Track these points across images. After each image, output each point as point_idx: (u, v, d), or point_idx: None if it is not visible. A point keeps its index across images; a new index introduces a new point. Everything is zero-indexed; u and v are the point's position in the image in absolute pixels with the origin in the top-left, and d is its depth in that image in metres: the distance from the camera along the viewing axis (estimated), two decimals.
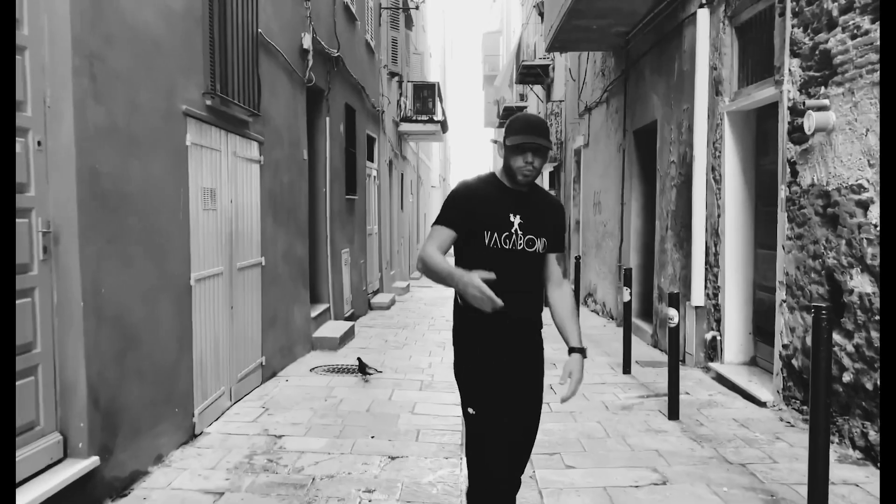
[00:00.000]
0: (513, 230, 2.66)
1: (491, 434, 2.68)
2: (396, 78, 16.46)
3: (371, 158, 13.30)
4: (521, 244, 2.68)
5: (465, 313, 2.69)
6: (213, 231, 5.20)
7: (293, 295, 7.49)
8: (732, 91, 6.56)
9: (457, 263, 2.68)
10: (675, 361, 5.36)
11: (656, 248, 8.52)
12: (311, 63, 7.98)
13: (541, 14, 15.97)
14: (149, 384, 4.13)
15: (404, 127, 17.38)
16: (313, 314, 8.43)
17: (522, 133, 2.65)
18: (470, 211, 2.69)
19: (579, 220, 13.94)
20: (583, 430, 5.09)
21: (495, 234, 2.66)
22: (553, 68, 17.29)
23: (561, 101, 15.89)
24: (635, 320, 9.24)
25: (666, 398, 5.82)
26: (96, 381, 3.56)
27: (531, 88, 20.61)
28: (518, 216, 2.69)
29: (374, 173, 13.56)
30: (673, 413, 5.31)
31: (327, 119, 9.11)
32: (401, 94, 17.44)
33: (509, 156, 2.69)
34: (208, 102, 5.04)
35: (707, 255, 6.95)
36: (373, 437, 4.90)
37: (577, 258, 10.20)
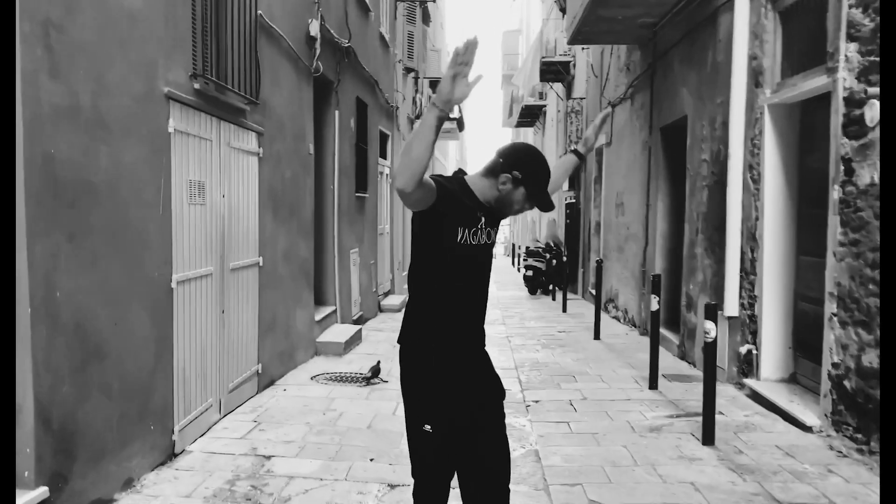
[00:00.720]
0: (479, 225, 2.57)
1: (445, 455, 2.55)
2: (412, 74, 15.97)
3: (384, 156, 12.82)
4: (483, 238, 2.59)
5: (426, 310, 2.54)
6: (201, 228, 4.72)
7: (295, 297, 7.01)
8: (774, 82, 5.99)
9: (417, 265, 2.56)
10: (711, 380, 4.80)
11: (685, 252, 7.95)
12: (318, 52, 7.50)
13: (562, 9, 15.41)
14: (117, 400, 3.65)
15: None
16: (318, 317, 7.95)
17: (546, 186, 2.61)
18: (453, 198, 2.47)
19: (600, 221, 13.37)
20: (607, 455, 4.56)
21: (466, 231, 2.51)
22: (574, 65, 16.73)
23: (582, 99, 15.32)
24: (663, 331, 8.66)
25: (698, 419, 5.27)
26: (48, 398, 3.08)
27: (551, 86, 20.04)
28: (482, 213, 2.59)
29: (387, 171, 13.08)
30: (708, 438, 4.75)
31: (336, 113, 8.63)
32: (416, 91, 16.95)
33: (515, 192, 2.56)
34: (196, 86, 4.56)
35: (742, 261, 6.38)
36: (372, 460, 4.39)
37: (599, 262, 9.64)
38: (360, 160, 10.22)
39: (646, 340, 9.11)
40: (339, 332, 8.22)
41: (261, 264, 5.94)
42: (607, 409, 5.71)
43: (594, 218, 13.90)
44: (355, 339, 8.37)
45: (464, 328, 2.57)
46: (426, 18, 17.75)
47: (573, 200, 16.64)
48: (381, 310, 12.05)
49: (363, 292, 10.48)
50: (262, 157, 5.92)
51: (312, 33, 7.38)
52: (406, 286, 14.78)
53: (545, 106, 23.53)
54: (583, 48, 14.76)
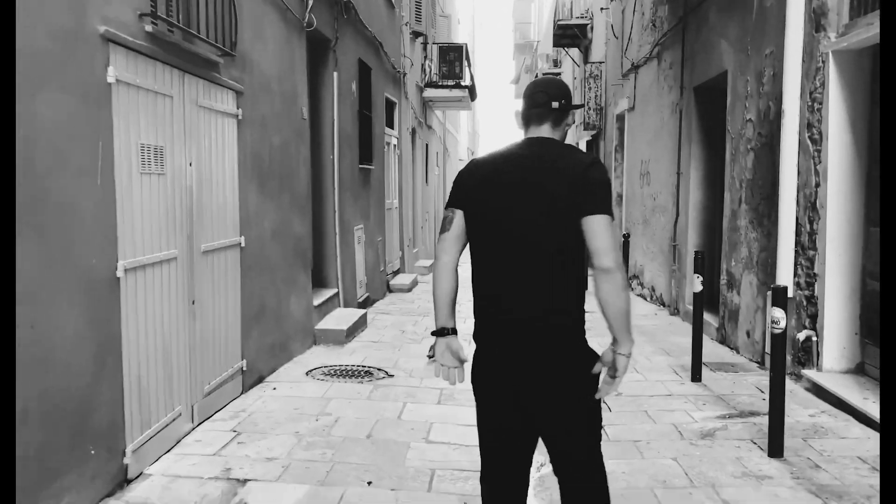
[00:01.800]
0: None
1: None
2: (421, 39, 15.04)
3: (391, 125, 11.96)
4: None
5: (581, 295, 2.28)
6: (160, 203, 3.92)
7: (288, 281, 6.23)
8: (841, 24, 5.09)
9: (572, 251, 2.21)
10: (780, 380, 3.98)
11: (725, 225, 7.08)
12: (311, 3, 6.64)
13: None
14: (37, 423, 2.87)
15: (429, 93, 15.96)
16: (317, 301, 7.17)
17: None
18: None
19: (622, 193, 12.47)
20: (655, 472, 3.75)
21: None
22: (592, 28, 15.73)
23: (601, 63, 14.35)
24: None
25: (755, 420, 4.51)
26: None
27: (566, 52, 19.02)
28: None
29: (395, 142, 12.23)
30: (775, 448, 3.94)
31: (335, 74, 7.78)
32: (425, 57, 16.00)
33: (566, 123, 2.42)
34: (148, 28, 3.73)
35: (799, 234, 5.52)
36: (370, 483, 3.61)
37: (626, 236, 8.77)
38: (364, 129, 9.37)
39: (678, 321, 8.28)
40: (341, 318, 7.44)
41: (243, 245, 5.14)
42: (646, 407, 4.91)
43: (615, 189, 13.01)
44: (360, 325, 7.59)
45: None
46: None
47: None
48: (389, 290, 11.28)
49: (369, 272, 9.70)
50: (241, 120, 5.09)
51: None
52: (417, 264, 13.88)
53: (559, 74, 22.50)
54: (602, 8, 13.78)
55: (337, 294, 7.91)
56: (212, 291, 4.63)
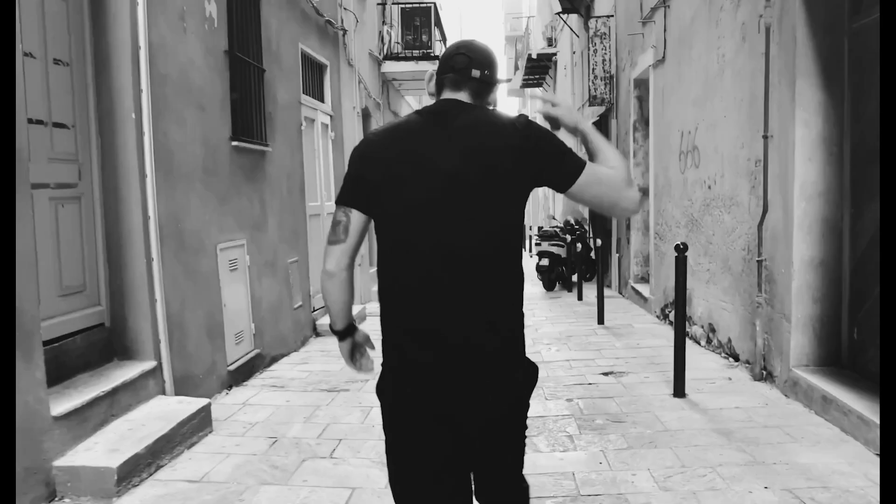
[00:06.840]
0: None
1: None
2: None
3: (318, 96, 8.42)
4: None
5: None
6: None
7: None
8: None
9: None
10: None
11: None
12: None
13: None
14: None
15: (390, 67, 12.43)
16: (83, 399, 3.61)
17: None
18: None
19: (647, 185, 8.90)
20: None
21: None
22: None
23: (609, 17, 10.81)
24: (821, 385, 4.22)
25: None
26: None
27: (564, 21, 15.49)
28: None
29: (327, 121, 8.68)
30: None
31: None
32: (383, 22, 12.52)
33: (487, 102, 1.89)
34: None
35: None
36: None
37: (681, 248, 5.09)
38: (246, 85, 5.82)
39: (776, 397, 4.64)
40: (132, 431, 3.80)
41: None
42: None
43: (636, 181, 9.43)
44: (178, 440, 3.94)
45: None
46: None
47: None
48: (317, 333, 7.72)
49: (267, 314, 6.12)
50: None
51: None
52: (375, 289, 10.21)
53: (556, 54, 19.00)
54: None
55: (155, 370, 4.29)
56: None
